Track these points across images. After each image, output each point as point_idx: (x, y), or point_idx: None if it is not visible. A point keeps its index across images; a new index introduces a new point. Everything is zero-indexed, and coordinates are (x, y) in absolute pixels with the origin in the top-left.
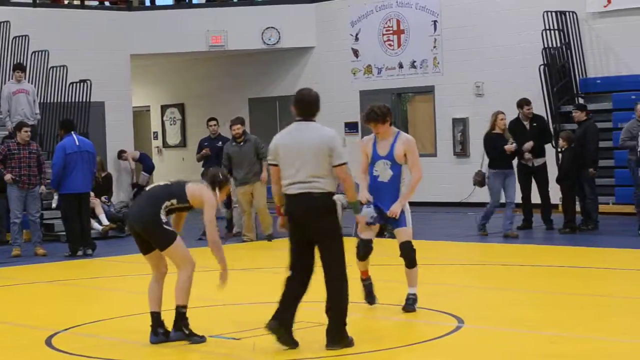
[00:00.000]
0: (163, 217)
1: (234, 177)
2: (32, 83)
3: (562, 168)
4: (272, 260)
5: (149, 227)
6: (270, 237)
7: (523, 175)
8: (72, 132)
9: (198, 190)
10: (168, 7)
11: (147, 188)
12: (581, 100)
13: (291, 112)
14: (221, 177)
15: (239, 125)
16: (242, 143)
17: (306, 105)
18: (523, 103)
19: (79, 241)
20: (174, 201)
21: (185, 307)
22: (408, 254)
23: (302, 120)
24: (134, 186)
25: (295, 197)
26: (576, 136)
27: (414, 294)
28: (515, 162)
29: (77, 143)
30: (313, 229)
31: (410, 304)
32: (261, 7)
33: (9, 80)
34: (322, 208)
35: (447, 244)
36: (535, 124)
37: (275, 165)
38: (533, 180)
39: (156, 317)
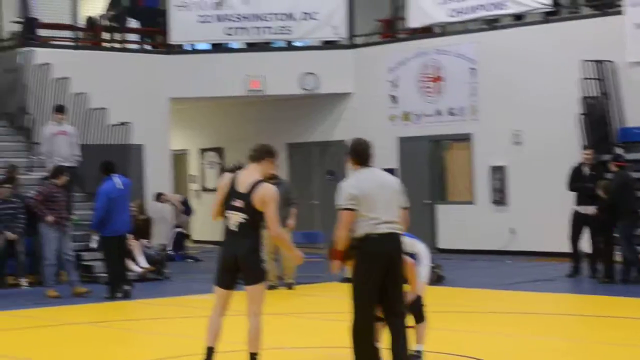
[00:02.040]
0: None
1: None
2: (73, 125)
3: (597, 218)
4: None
5: (249, 258)
6: (290, 286)
7: (576, 222)
8: (112, 175)
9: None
10: (207, 52)
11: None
12: (619, 150)
13: (345, 159)
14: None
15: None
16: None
17: (367, 151)
18: (582, 148)
19: (119, 284)
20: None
21: (258, 354)
22: (417, 309)
23: (365, 166)
24: (177, 226)
25: (386, 237)
26: (612, 186)
27: (419, 351)
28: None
29: (118, 186)
30: (395, 267)
31: None
32: (300, 53)
33: (49, 122)
34: (401, 247)
35: (484, 292)
36: (594, 172)
37: (353, 210)
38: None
39: (212, 353)
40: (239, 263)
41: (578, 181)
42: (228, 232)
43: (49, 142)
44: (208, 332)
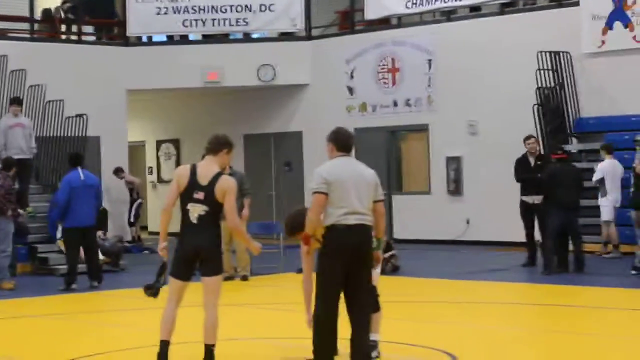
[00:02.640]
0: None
1: None
2: (29, 117)
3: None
4: (261, 297)
5: (211, 250)
6: (245, 277)
7: (524, 212)
8: (78, 167)
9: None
10: (164, 43)
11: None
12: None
13: (327, 150)
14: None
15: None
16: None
17: (349, 141)
18: (525, 139)
19: (75, 275)
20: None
21: (214, 346)
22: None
23: (344, 155)
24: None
25: (353, 228)
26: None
27: (375, 341)
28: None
29: (82, 177)
30: (362, 259)
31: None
32: (257, 44)
33: (5, 114)
34: (371, 240)
35: (440, 282)
36: (539, 162)
37: (325, 194)
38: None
39: (166, 346)
40: (201, 255)
41: (525, 172)
42: (187, 224)
43: (4, 134)
44: (162, 325)
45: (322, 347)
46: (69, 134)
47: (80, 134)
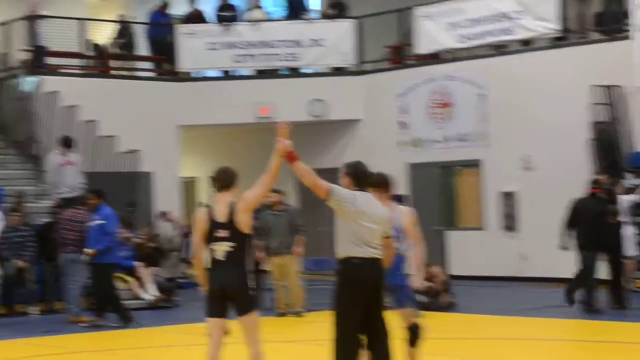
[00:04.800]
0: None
1: (267, 247)
2: (81, 153)
3: None
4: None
5: (239, 288)
6: (299, 313)
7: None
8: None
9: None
10: (216, 79)
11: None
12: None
13: (343, 183)
14: None
15: (276, 194)
16: (278, 212)
17: (366, 177)
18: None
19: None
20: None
21: None
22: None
23: (360, 190)
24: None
25: (370, 261)
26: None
27: None
28: None
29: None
30: (379, 293)
31: None
32: (308, 79)
33: (55, 151)
34: (383, 273)
35: (494, 319)
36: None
37: (333, 194)
38: None
39: None
40: (229, 294)
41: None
42: (214, 262)
43: (55, 172)
44: None
45: None
46: (121, 170)
47: (132, 170)
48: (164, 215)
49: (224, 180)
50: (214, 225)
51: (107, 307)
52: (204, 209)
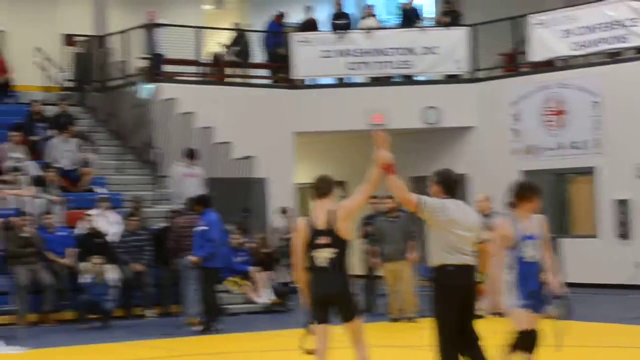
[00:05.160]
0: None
1: (380, 253)
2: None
3: None
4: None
5: (344, 295)
6: (412, 319)
7: None
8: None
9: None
10: (331, 86)
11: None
12: None
13: (432, 190)
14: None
15: (391, 200)
16: (392, 219)
17: (457, 186)
18: None
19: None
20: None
21: None
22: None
23: (451, 198)
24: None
25: (465, 268)
26: None
27: None
28: None
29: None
30: (472, 299)
31: None
32: (422, 87)
33: (178, 162)
34: (474, 279)
35: (607, 326)
36: None
37: (422, 206)
38: None
39: None
40: (334, 301)
41: None
42: (316, 269)
43: (177, 183)
44: None
45: None
46: (237, 176)
47: (247, 176)
48: (284, 212)
49: (323, 187)
50: (315, 232)
51: (217, 311)
52: (303, 219)
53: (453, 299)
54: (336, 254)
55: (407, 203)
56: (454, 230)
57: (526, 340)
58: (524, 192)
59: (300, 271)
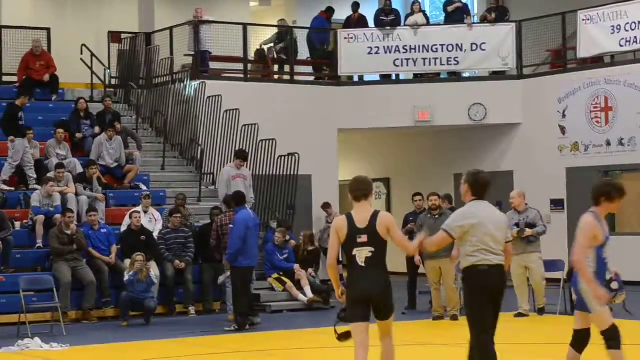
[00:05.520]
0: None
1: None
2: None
3: None
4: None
5: (385, 293)
6: (455, 317)
7: None
8: (245, 206)
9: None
10: (376, 83)
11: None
12: None
13: (462, 189)
14: None
15: (435, 197)
16: (437, 216)
17: (486, 188)
18: None
19: (248, 315)
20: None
21: None
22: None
23: (479, 199)
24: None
25: (495, 268)
26: None
27: None
28: None
29: (252, 216)
30: (501, 297)
31: None
32: (468, 83)
33: (228, 164)
34: (506, 278)
35: None
36: None
37: (452, 237)
38: None
39: None
40: (375, 299)
41: None
42: (355, 267)
43: (226, 185)
44: None
45: None
46: (281, 173)
47: (292, 173)
48: (327, 206)
49: (363, 189)
50: (355, 230)
51: (254, 309)
52: (343, 217)
53: (485, 298)
54: (376, 252)
55: (443, 244)
56: (483, 231)
57: (617, 336)
58: (611, 192)
59: (333, 267)
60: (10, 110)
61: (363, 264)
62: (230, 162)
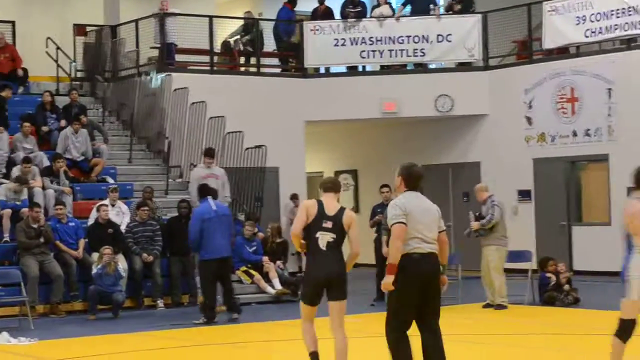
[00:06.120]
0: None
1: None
2: (221, 166)
3: None
4: None
5: (341, 276)
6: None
7: None
8: (208, 198)
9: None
10: (342, 75)
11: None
12: None
13: (396, 182)
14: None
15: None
16: None
17: (419, 180)
18: None
19: (215, 310)
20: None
21: None
22: None
23: (412, 190)
24: None
25: (427, 256)
26: None
27: None
28: None
29: (214, 208)
30: (434, 286)
31: None
32: (434, 75)
33: (198, 164)
34: (439, 267)
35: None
36: None
37: (404, 224)
38: None
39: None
40: (334, 281)
41: None
42: (317, 251)
43: (197, 185)
44: (306, 338)
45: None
46: (248, 165)
47: (259, 165)
48: (295, 197)
49: (334, 184)
50: (322, 215)
51: (233, 304)
52: (314, 200)
53: (414, 287)
54: (336, 239)
55: (404, 233)
56: (413, 221)
57: (629, 331)
58: None
59: (298, 236)
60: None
61: (324, 248)
62: (197, 159)
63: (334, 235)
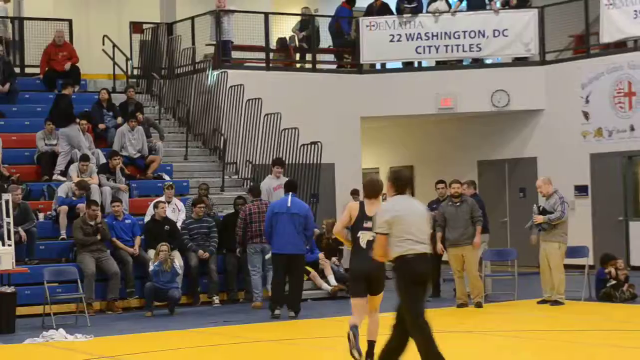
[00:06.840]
0: None
1: (446, 238)
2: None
3: None
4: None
5: (380, 272)
6: (479, 304)
7: None
8: (290, 193)
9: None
10: (398, 70)
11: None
12: None
13: (386, 187)
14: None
15: (457, 185)
16: (458, 203)
17: (406, 184)
18: None
19: (277, 302)
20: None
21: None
22: None
23: (400, 194)
24: None
25: (424, 256)
26: None
27: None
28: None
29: (289, 205)
30: (426, 284)
31: None
32: (491, 70)
33: (268, 175)
34: (430, 266)
35: None
36: None
37: (386, 235)
38: None
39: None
40: (372, 276)
41: None
42: (358, 248)
43: (269, 195)
44: (355, 312)
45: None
46: (304, 161)
47: (314, 161)
48: (355, 193)
49: (374, 191)
50: (364, 216)
51: (293, 301)
52: (357, 203)
53: (415, 285)
54: (374, 238)
55: (385, 243)
56: (404, 222)
57: None
58: None
59: (340, 232)
60: (66, 99)
61: (364, 246)
62: (253, 155)
63: (374, 235)
